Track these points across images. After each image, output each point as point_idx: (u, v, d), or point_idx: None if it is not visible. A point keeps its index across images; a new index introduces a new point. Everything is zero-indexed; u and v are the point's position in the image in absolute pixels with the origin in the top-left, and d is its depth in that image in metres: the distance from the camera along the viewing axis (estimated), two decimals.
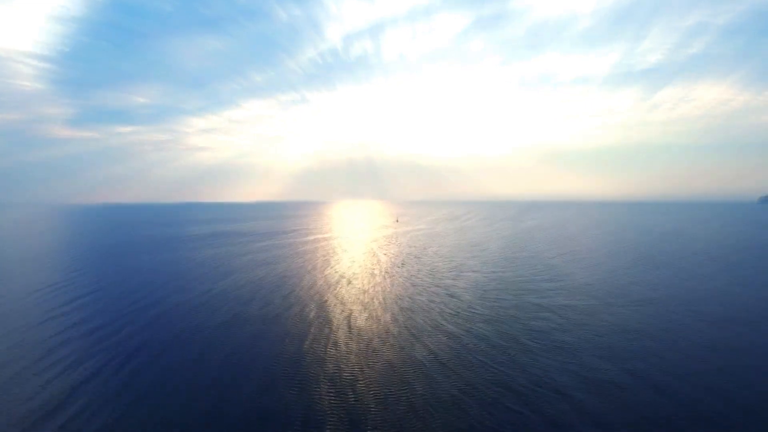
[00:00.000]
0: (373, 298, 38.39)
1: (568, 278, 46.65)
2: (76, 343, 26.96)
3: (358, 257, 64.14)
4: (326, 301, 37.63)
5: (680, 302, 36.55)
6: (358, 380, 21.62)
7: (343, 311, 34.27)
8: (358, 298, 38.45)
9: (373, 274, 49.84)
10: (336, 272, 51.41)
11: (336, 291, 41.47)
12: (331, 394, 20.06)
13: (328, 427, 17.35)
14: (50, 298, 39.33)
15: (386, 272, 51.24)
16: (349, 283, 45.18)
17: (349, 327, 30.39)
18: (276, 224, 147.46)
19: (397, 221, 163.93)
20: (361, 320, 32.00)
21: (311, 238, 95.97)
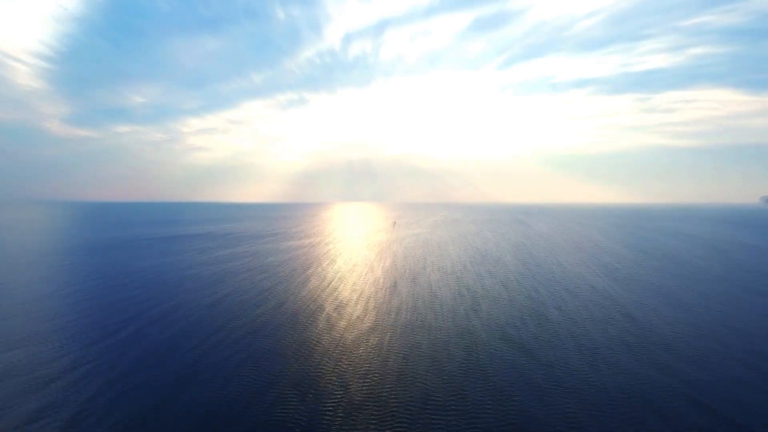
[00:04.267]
0: (338, 359, 23.69)
1: (635, 314, 32.01)
2: None
3: (339, 273, 49.49)
4: (260, 361, 22.91)
5: None
6: None
7: (283, 381, 19.60)
8: (317, 354, 23.78)
9: (350, 302, 35.13)
10: (303, 298, 36.73)
11: (288, 334, 26.73)
12: None
13: None
14: None
15: (371, 298, 36.60)
16: (318, 317, 30.47)
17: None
18: (261, 226, 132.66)
19: (395, 224, 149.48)
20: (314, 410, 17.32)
21: (292, 243, 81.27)
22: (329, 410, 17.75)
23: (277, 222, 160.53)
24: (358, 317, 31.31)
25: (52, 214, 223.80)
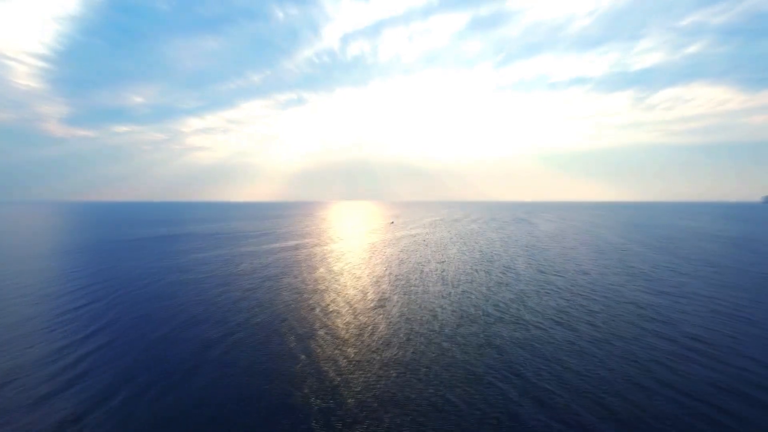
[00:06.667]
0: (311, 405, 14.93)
1: (712, 341, 23.46)
2: None
3: (319, 282, 40.67)
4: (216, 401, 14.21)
5: None
6: None
7: None
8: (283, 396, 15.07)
9: (330, 329, 26.38)
10: (259, 320, 27.96)
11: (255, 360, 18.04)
12: None
13: None
14: None
15: (351, 324, 27.85)
16: (289, 338, 21.78)
17: None
18: (253, 225, 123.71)
19: (392, 223, 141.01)
20: None
21: (279, 245, 72.49)
22: None
23: (270, 221, 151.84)
24: (338, 344, 22.65)
25: (44, 216, 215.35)
